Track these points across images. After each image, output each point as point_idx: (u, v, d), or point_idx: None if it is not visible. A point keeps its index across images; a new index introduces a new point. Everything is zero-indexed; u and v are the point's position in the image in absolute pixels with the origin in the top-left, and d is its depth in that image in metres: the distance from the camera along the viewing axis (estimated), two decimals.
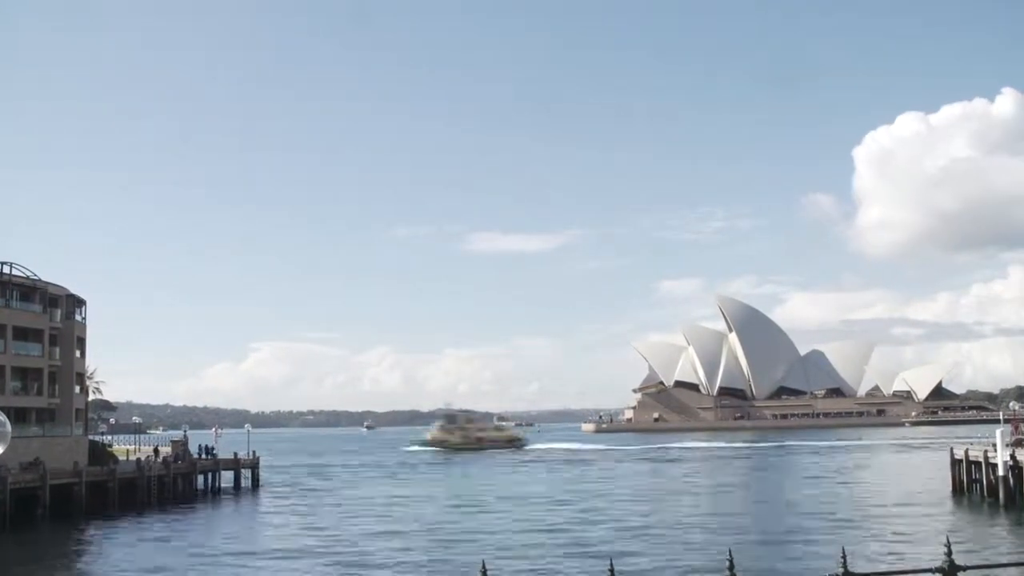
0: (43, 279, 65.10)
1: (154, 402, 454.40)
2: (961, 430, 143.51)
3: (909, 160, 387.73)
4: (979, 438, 66.65)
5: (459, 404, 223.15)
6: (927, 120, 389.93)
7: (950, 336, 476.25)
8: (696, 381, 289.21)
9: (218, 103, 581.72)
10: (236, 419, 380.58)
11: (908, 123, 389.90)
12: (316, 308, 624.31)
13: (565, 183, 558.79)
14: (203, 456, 76.77)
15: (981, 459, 57.07)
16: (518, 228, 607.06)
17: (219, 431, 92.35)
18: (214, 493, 73.49)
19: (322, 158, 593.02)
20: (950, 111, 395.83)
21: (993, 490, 54.61)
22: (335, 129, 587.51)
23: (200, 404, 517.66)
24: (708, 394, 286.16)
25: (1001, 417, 77.95)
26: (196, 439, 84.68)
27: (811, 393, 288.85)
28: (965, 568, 6.85)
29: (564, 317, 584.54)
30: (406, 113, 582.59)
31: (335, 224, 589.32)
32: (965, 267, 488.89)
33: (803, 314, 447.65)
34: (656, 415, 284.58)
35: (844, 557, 7.71)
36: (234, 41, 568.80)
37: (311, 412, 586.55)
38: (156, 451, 77.79)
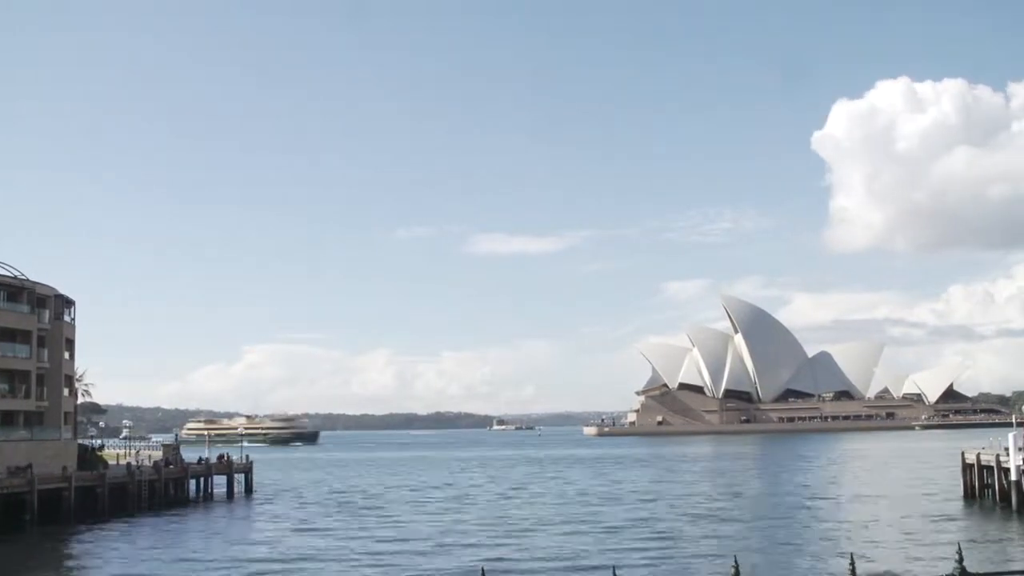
0: (31, 279, 65.01)
1: (144, 405, 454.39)
2: (973, 434, 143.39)
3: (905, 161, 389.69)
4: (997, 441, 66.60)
5: (456, 407, 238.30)
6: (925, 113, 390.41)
7: (952, 337, 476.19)
8: (701, 383, 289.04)
9: (214, 101, 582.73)
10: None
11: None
12: (312, 310, 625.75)
13: (572, 184, 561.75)
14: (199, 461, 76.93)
15: (993, 463, 57.03)
16: (523, 230, 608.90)
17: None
18: (206, 499, 73.44)
19: (324, 158, 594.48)
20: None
21: (1006, 495, 54.55)
22: (336, 129, 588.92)
23: (192, 407, 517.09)
24: (713, 397, 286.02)
25: (1014, 420, 77.90)
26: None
27: (819, 396, 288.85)
28: (976, 575, 6.85)
29: (568, 319, 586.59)
30: (408, 113, 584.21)
31: (335, 225, 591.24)
32: (971, 267, 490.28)
33: (807, 316, 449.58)
34: (660, 418, 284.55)
35: (852, 564, 7.72)
36: (231, 39, 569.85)
37: (305, 415, 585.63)
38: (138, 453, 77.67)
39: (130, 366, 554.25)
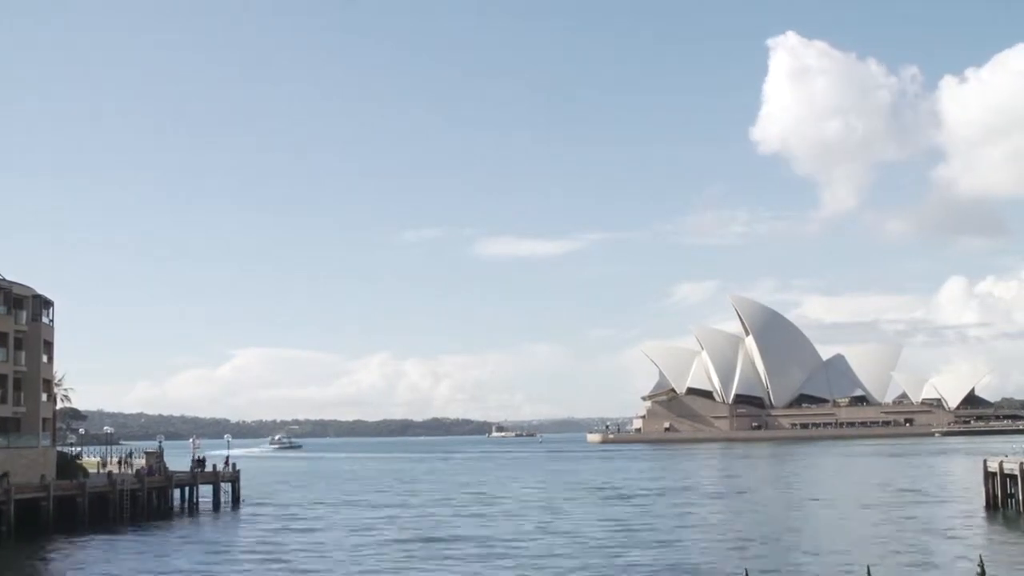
0: (8, 278, 64.94)
1: (127, 411, 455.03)
2: (996, 440, 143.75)
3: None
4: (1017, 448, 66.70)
5: (453, 413, 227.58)
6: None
7: (955, 339, 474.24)
8: (710, 388, 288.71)
9: (211, 100, 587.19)
10: (215, 429, 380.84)
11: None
12: (310, 313, 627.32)
13: (581, 187, 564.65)
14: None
15: (1017, 472, 57.04)
16: (532, 233, 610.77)
17: (197, 442, 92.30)
18: (191, 509, 73.33)
19: (328, 160, 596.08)
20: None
21: None
22: (340, 130, 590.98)
23: (176, 413, 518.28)
24: (723, 402, 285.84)
25: None
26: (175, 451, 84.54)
27: (833, 401, 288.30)
28: None
29: (575, 323, 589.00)
30: (415, 114, 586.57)
31: (338, 227, 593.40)
32: (976, 267, 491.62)
33: (817, 318, 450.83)
34: (667, 424, 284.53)
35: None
36: (230, 38, 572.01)
37: (296, 421, 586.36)
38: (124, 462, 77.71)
39: (112, 370, 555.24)
